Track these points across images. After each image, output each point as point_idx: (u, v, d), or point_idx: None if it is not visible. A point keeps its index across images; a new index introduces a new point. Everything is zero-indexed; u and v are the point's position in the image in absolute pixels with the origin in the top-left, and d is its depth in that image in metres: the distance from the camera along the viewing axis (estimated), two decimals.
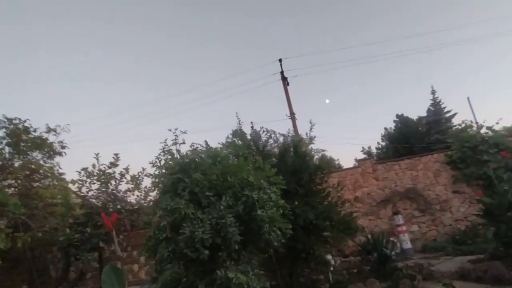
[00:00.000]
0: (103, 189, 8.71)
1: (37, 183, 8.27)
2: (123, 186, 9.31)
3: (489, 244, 7.15)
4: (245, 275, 2.37)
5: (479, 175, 8.92)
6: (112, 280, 1.80)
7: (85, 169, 8.41)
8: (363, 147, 27.94)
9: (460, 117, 31.11)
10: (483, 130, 9.63)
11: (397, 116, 24.59)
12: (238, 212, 2.74)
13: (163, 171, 3.29)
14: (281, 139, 6.63)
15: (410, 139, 21.62)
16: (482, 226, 8.32)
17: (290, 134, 5.91)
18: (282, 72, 18.38)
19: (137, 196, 9.39)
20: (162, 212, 2.78)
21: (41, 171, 8.25)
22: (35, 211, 7.25)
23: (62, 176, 8.68)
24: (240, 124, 5.70)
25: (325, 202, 6.06)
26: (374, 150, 27.09)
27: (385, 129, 26.60)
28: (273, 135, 6.06)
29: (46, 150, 8.77)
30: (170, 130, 3.36)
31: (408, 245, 8.35)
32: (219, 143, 5.78)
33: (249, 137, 6.10)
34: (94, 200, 8.87)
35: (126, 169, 9.31)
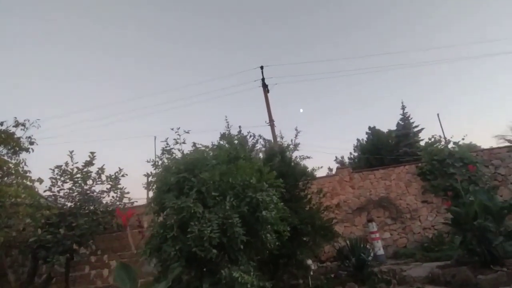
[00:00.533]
0: (77, 189, 8.29)
1: None
2: (97, 187, 8.94)
3: (454, 251, 7.66)
4: (248, 275, 2.40)
5: (445, 187, 9.58)
6: (123, 277, 1.76)
7: (58, 167, 7.97)
8: (336, 157, 28.82)
9: (428, 132, 33.26)
10: (450, 145, 10.38)
11: (369, 128, 25.71)
12: (243, 212, 2.77)
13: (159, 170, 3.23)
14: (266, 144, 6.76)
15: (381, 151, 22.68)
16: (448, 234, 8.92)
17: (277, 140, 5.99)
18: (263, 79, 18.65)
19: (112, 197, 9.03)
20: (169, 210, 2.73)
21: (4, 167, 7.71)
22: None
23: (27, 174, 8.13)
24: (228, 127, 5.71)
25: (307, 207, 6.22)
26: (346, 160, 28.08)
27: (358, 140, 27.73)
28: (260, 140, 6.14)
29: (11, 145, 8.24)
30: (172, 129, 3.33)
31: (380, 251, 8.70)
32: (202, 146, 5.78)
33: (236, 141, 6.14)
34: (63, 200, 8.42)
35: (101, 169, 8.94)
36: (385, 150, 22.73)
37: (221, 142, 5.62)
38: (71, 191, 8.39)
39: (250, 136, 6.38)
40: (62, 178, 7.93)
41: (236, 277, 2.24)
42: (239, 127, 6.05)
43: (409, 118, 23.19)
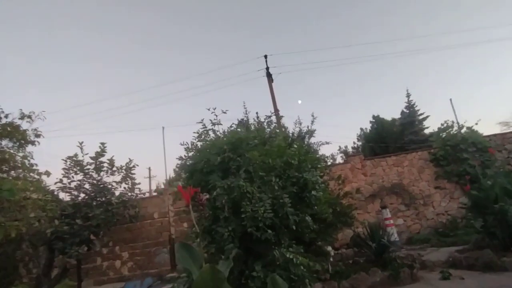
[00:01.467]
0: (89, 180, 8.21)
1: (5, 174, 7.57)
2: (108, 178, 8.86)
3: (471, 236, 7.64)
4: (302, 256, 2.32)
5: (459, 172, 9.51)
6: (186, 257, 1.66)
7: (71, 157, 7.85)
8: (340, 146, 28.71)
9: (433, 119, 33.33)
10: (463, 130, 10.27)
11: (373, 117, 25.55)
12: (291, 193, 2.68)
13: (193, 153, 3.11)
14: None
15: (386, 139, 22.59)
16: (462, 220, 8.88)
17: (296, 126, 5.87)
18: (267, 68, 18.38)
19: (124, 188, 8.97)
20: (219, 190, 2.63)
21: (11, 161, 7.58)
22: (6, 204, 6.66)
23: (34, 167, 7.99)
24: (246, 113, 5.58)
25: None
26: (350, 150, 28.01)
27: (361, 129, 27.63)
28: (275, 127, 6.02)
29: (17, 138, 8.10)
30: (208, 109, 3.21)
31: (395, 237, 8.67)
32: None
33: (252, 127, 6.02)
34: (75, 192, 8.34)
35: (111, 160, 8.85)
36: (390, 139, 22.65)
37: (238, 129, 5.50)
38: (82, 183, 8.32)
39: (268, 123, 6.25)
40: (75, 169, 7.82)
41: (290, 258, 2.17)
42: (256, 113, 5.92)
43: (414, 106, 23.04)
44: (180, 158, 3.55)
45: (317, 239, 5.59)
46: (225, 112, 3.28)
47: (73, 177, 8.22)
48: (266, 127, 6.35)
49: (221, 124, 3.28)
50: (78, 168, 8.10)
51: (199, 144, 3.32)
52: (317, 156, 6.53)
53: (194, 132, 3.43)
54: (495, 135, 10.34)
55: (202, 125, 3.27)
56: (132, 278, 9.89)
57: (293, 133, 5.33)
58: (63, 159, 7.90)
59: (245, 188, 2.48)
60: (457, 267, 5.93)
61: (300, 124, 5.53)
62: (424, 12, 51.62)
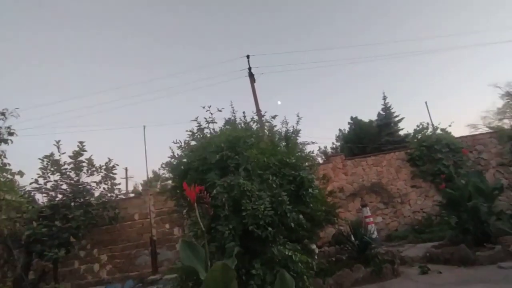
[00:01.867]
0: (66, 181, 7.86)
1: None
2: (87, 178, 8.54)
3: (445, 232, 8.03)
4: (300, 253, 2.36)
5: (434, 171, 9.98)
6: (191, 256, 1.65)
7: (48, 156, 7.48)
8: (319, 147, 29.26)
9: (408, 121, 34.78)
10: (437, 132, 10.79)
11: (352, 118, 26.28)
12: (290, 190, 2.71)
13: (184, 152, 3.07)
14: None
15: (363, 140, 23.31)
16: (437, 217, 9.32)
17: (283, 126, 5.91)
18: (249, 69, 18.36)
19: (104, 189, 8.68)
20: (219, 188, 2.60)
21: None
22: None
23: (7, 167, 7.57)
24: (234, 113, 5.55)
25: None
26: (329, 150, 28.62)
27: (340, 130, 28.34)
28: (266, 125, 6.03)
29: None
30: (203, 107, 3.17)
31: (375, 235, 8.96)
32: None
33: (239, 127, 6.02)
34: (52, 192, 7.97)
35: (90, 160, 8.54)
36: (367, 139, 23.39)
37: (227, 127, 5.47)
38: (59, 183, 7.96)
39: (254, 122, 6.25)
40: (52, 169, 7.46)
41: (289, 255, 2.19)
42: (243, 113, 5.90)
43: (390, 108, 23.95)
44: (172, 157, 3.48)
45: (304, 237, 5.68)
46: (220, 111, 3.27)
47: (49, 177, 7.85)
48: (253, 127, 6.37)
49: (216, 123, 3.27)
50: (55, 168, 7.74)
51: (193, 142, 3.27)
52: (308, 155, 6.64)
53: (187, 131, 3.39)
54: (466, 136, 10.95)
55: (197, 123, 3.24)
56: (111, 282, 9.58)
57: (280, 133, 5.37)
58: (39, 158, 7.53)
59: (245, 186, 2.48)
60: (434, 262, 6.22)
61: (287, 124, 5.58)
62: (402, 18, 53.80)
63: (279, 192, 2.58)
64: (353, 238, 6.91)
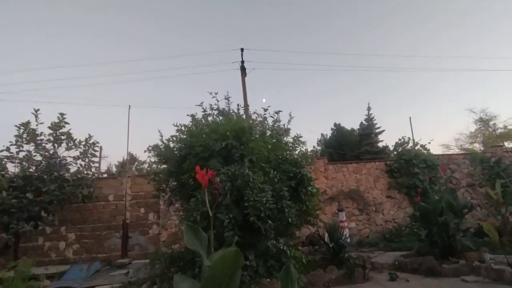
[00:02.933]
0: (41, 152, 7.47)
1: None
2: (64, 153, 8.16)
3: (413, 243, 8.39)
4: (295, 249, 2.37)
5: (409, 185, 10.40)
6: (194, 240, 1.62)
7: (25, 124, 7.05)
8: (300, 149, 29.55)
9: (388, 134, 36.09)
10: (417, 147, 11.24)
11: (335, 125, 26.77)
12: (290, 186, 2.71)
13: (185, 136, 3.00)
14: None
15: (344, 147, 23.84)
16: (406, 228, 9.72)
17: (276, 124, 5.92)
18: (242, 62, 18.19)
19: (80, 165, 8.34)
20: (222, 176, 2.55)
21: None
22: None
23: None
24: (228, 104, 5.49)
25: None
26: (309, 153, 29.00)
27: (322, 135, 28.83)
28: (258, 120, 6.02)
29: None
30: (210, 93, 3.09)
31: (347, 239, 9.22)
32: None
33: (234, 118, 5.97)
34: (24, 163, 7.55)
35: (69, 134, 8.16)
36: (348, 147, 23.95)
37: (220, 118, 5.41)
38: (33, 154, 7.55)
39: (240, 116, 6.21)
40: (28, 138, 7.05)
41: (283, 250, 2.21)
42: (238, 105, 5.85)
43: (373, 119, 24.59)
44: (172, 140, 3.37)
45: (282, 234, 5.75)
46: (227, 99, 3.21)
47: (23, 146, 7.42)
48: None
49: (218, 109, 3.21)
50: (31, 137, 7.32)
51: (195, 128, 3.20)
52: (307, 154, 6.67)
53: (188, 115, 3.31)
54: (442, 155, 11.49)
55: (202, 109, 3.17)
56: (77, 261, 9.26)
57: (273, 129, 5.38)
58: (15, 125, 7.09)
59: (249, 177, 2.46)
60: (402, 270, 6.49)
61: (279, 121, 5.59)
62: (394, 32, 55.40)
63: (281, 186, 2.59)
64: (328, 240, 7.07)
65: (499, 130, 25.78)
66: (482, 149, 22.32)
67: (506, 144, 23.15)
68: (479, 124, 26.85)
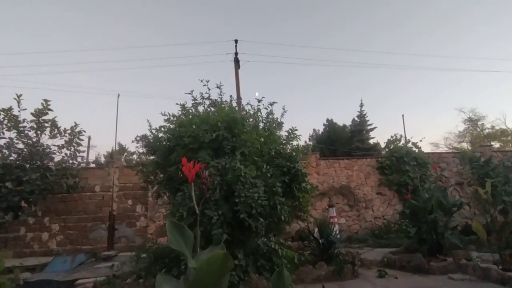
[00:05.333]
0: (23, 140, 7.15)
1: None
2: (48, 141, 7.84)
3: (401, 240, 8.44)
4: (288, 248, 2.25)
5: (399, 182, 10.43)
6: (178, 239, 1.47)
7: (6, 110, 6.71)
8: (291, 143, 29.51)
9: (379, 131, 36.40)
10: (408, 145, 11.27)
11: (327, 120, 26.78)
12: (283, 182, 2.57)
13: (174, 126, 2.82)
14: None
15: (335, 143, 23.89)
16: (395, 225, 9.77)
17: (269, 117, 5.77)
18: (236, 54, 17.90)
19: (65, 154, 8.04)
20: (212, 170, 2.39)
21: None
22: None
23: None
24: (221, 95, 5.31)
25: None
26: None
27: (314, 130, 28.82)
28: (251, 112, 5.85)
29: None
30: (201, 80, 2.91)
31: (337, 235, 9.21)
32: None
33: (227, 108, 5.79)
34: (5, 151, 7.22)
35: (53, 121, 7.84)
36: (339, 143, 24.01)
37: (212, 109, 5.23)
38: (14, 141, 7.23)
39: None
40: (9, 124, 6.72)
41: (274, 249, 2.08)
42: (230, 96, 5.68)
43: (365, 116, 24.71)
44: (160, 130, 3.19)
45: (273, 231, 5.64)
46: (219, 87, 3.04)
47: (3, 133, 7.09)
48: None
49: (210, 99, 3.04)
50: (12, 124, 6.99)
51: (182, 117, 3.02)
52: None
53: (177, 104, 3.13)
54: (433, 153, 11.56)
55: (192, 97, 2.99)
56: (61, 253, 9.01)
57: (266, 121, 5.23)
58: None
59: (241, 171, 2.31)
60: (391, 267, 6.49)
61: (273, 114, 5.44)
62: (387, 28, 55.60)
63: (274, 182, 2.46)
64: (317, 236, 7.01)
65: (487, 130, 26.29)
66: (470, 148, 22.75)
67: (493, 144, 23.60)
68: (468, 124, 27.33)
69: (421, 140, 11.29)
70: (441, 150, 24.49)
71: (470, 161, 10.96)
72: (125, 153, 29.48)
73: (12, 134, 7.30)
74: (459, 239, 6.96)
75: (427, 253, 6.74)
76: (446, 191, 7.62)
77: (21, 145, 7.17)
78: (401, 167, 10.52)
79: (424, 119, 48.07)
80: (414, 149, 10.93)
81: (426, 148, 29.20)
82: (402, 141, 11.65)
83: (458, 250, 6.73)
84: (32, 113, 7.05)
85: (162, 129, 3.32)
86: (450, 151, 13.70)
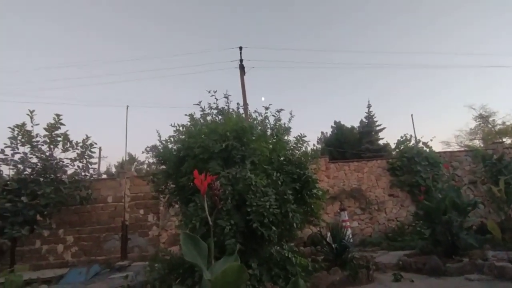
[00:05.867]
0: (36, 154, 7.31)
1: None
2: (61, 154, 8.00)
3: (416, 242, 8.29)
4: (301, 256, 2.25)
5: (411, 183, 10.28)
6: (192, 250, 1.49)
7: (20, 126, 6.89)
8: (303, 149, 29.37)
9: (389, 131, 36.01)
10: (419, 145, 11.12)
11: (335, 122, 26.61)
12: (294, 189, 2.58)
13: (183, 137, 2.86)
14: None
15: (344, 145, 23.69)
16: (409, 226, 9.62)
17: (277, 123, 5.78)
18: (241, 60, 18.05)
19: (78, 167, 8.19)
20: (223, 180, 2.42)
21: None
22: None
23: None
24: (228, 102, 5.34)
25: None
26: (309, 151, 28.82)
27: (322, 133, 28.68)
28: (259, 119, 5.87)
29: None
30: (209, 91, 2.96)
31: (350, 239, 9.10)
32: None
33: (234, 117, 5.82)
34: (20, 166, 7.40)
35: (65, 135, 8.01)
36: (348, 145, 23.81)
37: (219, 117, 5.27)
38: (29, 156, 7.39)
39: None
40: (23, 140, 6.89)
41: (287, 257, 2.08)
42: (237, 104, 5.70)
43: (373, 117, 24.47)
44: (169, 140, 3.23)
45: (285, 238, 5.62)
46: (226, 97, 3.08)
47: (18, 148, 7.27)
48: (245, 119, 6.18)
49: (217, 109, 3.07)
50: (26, 139, 7.17)
51: (193, 128, 3.06)
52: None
53: (186, 115, 3.18)
54: (444, 152, 11.37)
55: (200, 108, 3.03)
56: (76, 264, 9.14)
57: (274, 128, 5.24)
58: (9, 127, 6.92)
59: (251, 180, 2.33)
60: (406, 270, 6.37)
61: (280, 120, 5.44)
62: (394, 30, 55.32)
63: (285, 189, 2.46)
64: (330, 241, 6.94)
65: (498, 126, 25.74)
66: (482, 145, 22.28)
67: (504, 140, 23.09)
68: (479, 121, 26.80)
69: (431, 140, 11.20)
70: (453, 149, 24.06)
71: (483, 159, 10.73)
72: (135, 163, 29.84)
73: (26, 149, 7.48)
74: (474, 239, 6.80)
75: (442, 254, 6.61)
76: (460, 190, 7.46)
77: (35, 160, 7.34)
78: (412, 167, 10.37)
79: (434, 118, 47.43)
80: (425, 148, 10.78)
81: (437, 147, 28.74)
82: (412, 141, 11.50)
83: (474, 250, 6.60)
84: (44, 128, 7.22)
85: (172, 139, 3.37)
86: (462, 149, 13.45)
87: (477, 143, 25.97)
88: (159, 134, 4.44)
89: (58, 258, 9.53)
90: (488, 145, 13.94)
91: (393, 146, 12.64)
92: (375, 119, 24.35)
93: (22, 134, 6.98)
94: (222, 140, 2.67)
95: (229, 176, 2.45)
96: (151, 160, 4.89)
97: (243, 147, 2.65)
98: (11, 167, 6.96)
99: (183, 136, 3.13)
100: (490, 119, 26.02)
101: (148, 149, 4.61)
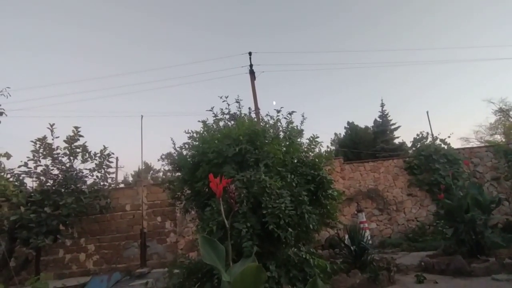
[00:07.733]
0: (57, 166, 7.58)
1: None
2: (80, 165, 8.27)
3: (437, 242, 8.04)
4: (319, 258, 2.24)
5: (430, 181, 10.01)
6: (211, 253, 1.51)
7: (41, 139, 7.18)
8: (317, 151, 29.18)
9: (404, 130, 35.26)
10: (436, 142, 10.84)
11: (348, 123, 26.33)
12: (309, 190, 2.59)
13: (197, 143, 2.91)
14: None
15: (358, 146, 23.38)
16: (430, 226, 9.36)
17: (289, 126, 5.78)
18: (251, 65, 18.18)
19: (96, 177, 8.42)
20: (238, 183, 2.46)
21: None
22: None
23: None
24: (239, 108, 5.39)
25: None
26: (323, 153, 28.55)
27: (336, 134, 28.41)
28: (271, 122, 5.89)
29: None
30: (221, 97, 3.02)
31: (369, 241, 8.93)
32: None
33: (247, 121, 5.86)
34: (43, 178, 7.68)
35: (84, 146, 8.26)
36: (362, 145, 23.48)
37: (232, 122, 5.32)
38: (50, 168, 7.67)
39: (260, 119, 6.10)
40: (44, 153, 7.17)
41: (305, 259, 2.08)
42: (249, 108, 5.74)
43: (387, 116, 24.08)
44: (184, 147, 3.31)
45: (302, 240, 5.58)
46: (238, 102, 3.13)
47: (40, 161, 7.56)
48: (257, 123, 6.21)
49: (229, 114, 3.13)
50: (47, 152, 7.45)
51: (205, 133, 3.13)
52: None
53: (199, 121, 3.24)
54: (463, 148, 11.04)
55: (213, 114, 3.09)
56: (98, 272, 9.34)
57: (285, 131, 5.24)
58: (31, 141, 7.22)
59: (266, 182, 2.35)
60: (429, 271, 6.19)
61: (292, 123, 5.44)
62: (404, 27, 54.51)
63: (299, 191, 2.47)
64: (348, 243, 6.83)
65: None
66: (504, 140, 21.46)
67: None
68: (499, 115, 25.86)
69: (449, 136, 10.89)
70: (473, 145, 23.27)
71: (505, 154, 10.36)
72: (151, 171, 30.37)
73: (48, 161, 7.77)
74: (500, 237, 6.55)
75: (467, 254, 6.39)
76: (482, 187, 7.22)
77: (56, 171, 7.61)
78: (430, 165, 10.11)
79: (450, 114, 46.15)
80: (442, 146, 10.49)
81: (456, 144, 27.83)
82: (429, 139, 11.23)
83: (501, 249, 6.35)
84: (64, 140, 7.49)
85: (186, 146, 3.44)
86: (483, 145, 13.00)
87: (498, 138, 25.02)
88: (173, 141, 4.54)
89: (81, 267, 9.77)
90: (510, 139, 13.42)
91: (409, 145, 12.39)
92: (389, 118, 23.99)
93: (44, 147, 7.26)
94: (235, 144, 2.70)
95: (244, 179, 2.47)
96: (166, 168, 5.00)
97: (256, 150, 2.67)
98: (34, 179, 7.26)
99: (197, 142, 3.19)
100: (511, 112, 25.06)
101: (163, 156, 4.71)
